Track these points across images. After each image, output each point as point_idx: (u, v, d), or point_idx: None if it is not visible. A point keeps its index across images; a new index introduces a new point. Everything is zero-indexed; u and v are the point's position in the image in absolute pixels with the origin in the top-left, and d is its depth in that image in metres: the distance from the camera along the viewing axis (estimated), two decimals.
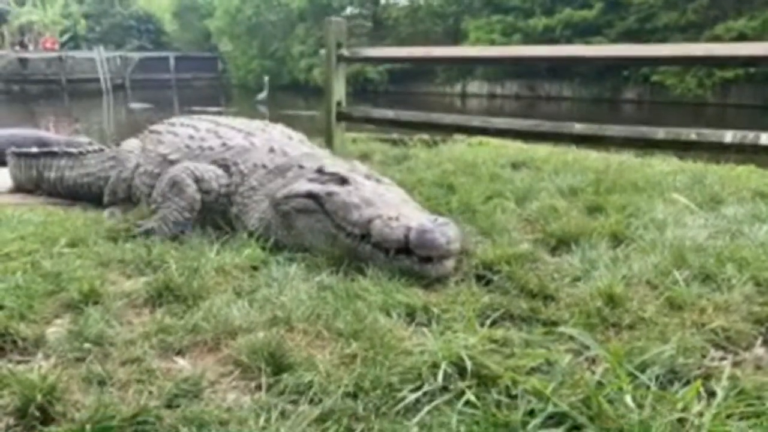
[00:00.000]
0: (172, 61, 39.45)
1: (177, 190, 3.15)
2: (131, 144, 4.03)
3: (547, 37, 24.59)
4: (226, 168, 3.28)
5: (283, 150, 3.32)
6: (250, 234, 2.93)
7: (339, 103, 6.00)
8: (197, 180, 3.17)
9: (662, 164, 5.12)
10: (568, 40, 23.68)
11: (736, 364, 1.70)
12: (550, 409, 1.36)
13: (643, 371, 1.53)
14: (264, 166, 3.21)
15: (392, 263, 2.42)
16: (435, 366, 1.56)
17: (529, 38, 25.08)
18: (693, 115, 20.97)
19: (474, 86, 29.47)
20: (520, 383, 1.45)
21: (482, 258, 2.54)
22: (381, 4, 37.02)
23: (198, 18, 42.52)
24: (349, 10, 38.19)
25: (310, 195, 2.83)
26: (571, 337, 1.74)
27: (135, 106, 24.71)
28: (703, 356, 1.73)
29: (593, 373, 1.50)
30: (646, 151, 5.55)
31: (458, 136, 6.79)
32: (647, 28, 23.24)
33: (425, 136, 6.67)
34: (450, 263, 2.45)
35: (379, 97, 29.30)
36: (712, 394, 1.45)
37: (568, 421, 1.34)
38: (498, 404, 1.42)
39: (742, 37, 19.95)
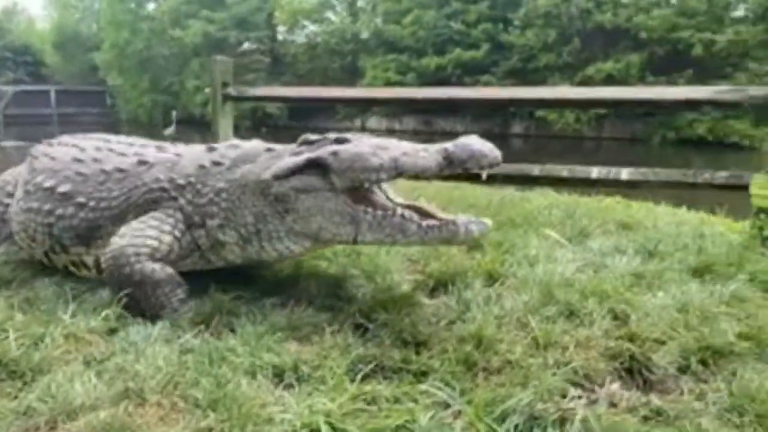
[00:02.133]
0: (53, 95, 36.85)
1: (146, 284, 2.42)
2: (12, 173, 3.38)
3: (440, 75, 25.80)
4: (163, 192, 2.64)
5: (226, 146, 2.77)
6: (244, 238, 2.50)
7: None
8: (152, 256, 2.47)
9: (540, 198, 5.41)
10: (459, 78, 25.02)
11: (592, 403, 1.76)
12: None
13: (504, 420, 1.53)
14: (217, 163, 2.63)
15: (425, 234, 2.27)
16: None
17: (423, 76, 26.22)
18: (573, 147, 22.79)
19: (373, 122, 30.14)
20: None
21: (361, 304, 2.50)
22: (279, 41, 37.14)
23: (83, 51, 40.27)
24: (246, 45, 37.89)
25: (312, 162, 2.38)
26: (441, 389, 1.72)
27: (7, 144, 22.65)
28: (563, 397, 1.77)
29: (452, 429, 1.47)
30: (525, 186, 5.86)
31: None
32: (529, 68, 25.11)
33: None
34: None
35: (279, 132, 29.09)
36: None
37: None
38: None
39: (610, 78, 22.11)
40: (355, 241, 2.38)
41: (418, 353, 2.05)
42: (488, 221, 2.31)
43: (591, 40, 24.52)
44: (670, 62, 21.97)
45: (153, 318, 2.37)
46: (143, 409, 1.70)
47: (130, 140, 3.25)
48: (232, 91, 5.76)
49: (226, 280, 2.65)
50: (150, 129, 26.59)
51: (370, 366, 1.96)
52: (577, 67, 23.94)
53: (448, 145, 2.23)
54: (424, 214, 2.37)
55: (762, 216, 3.80)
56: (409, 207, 2.43)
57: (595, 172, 4.85)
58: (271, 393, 1.80)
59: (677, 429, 1.58)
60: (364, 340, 2.19)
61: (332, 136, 2.56)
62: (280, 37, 37.72)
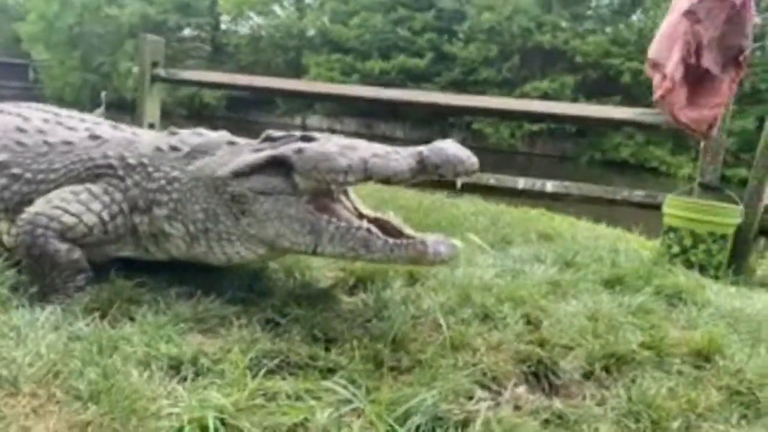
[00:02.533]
0: None
1: (44, 262, 2.22)
2: None
3: (384, 79, 25.93)
4: (109, 169, 2.41)
5: (189, 133, 2.53)
6: (192, 235, 2.29)
7: (152, 126, 5.56)
8: (62, 234, 2.24)
9: (468, 205, 5.48)
10: (402, 84, 25.22)
11: (497, 405, 1.75)
12: None
13: (406, 420, 1.49)
14: (174, 148, 2.42)
15: (391, 252, 2.07)
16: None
17: (367, 79, 26.22)
18: (506, 161, 23.47)
19: (314, 120, 29.88)
20: None
21: (276, 298, 2.40)
22: (222, 30, 36.14)
23: (6, 20, 37.58)
24: (187, 32, 36.64)
25: (274, 160, 2.20)
26: (346, 387, 1.65)
27: None
28: (469, 398, 1.75)
29: (350, 428, 1.41)
30: (455, 192, 5.93)
31: None
32: (470, 80, 25.70)
33: None
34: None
35: (216, 123, 28.25)
36: None
37: None
38: None
39: (545, 96, 22.96)
40: (314, 252, 2.17)
41: (327, 350, 1.98)
42: (458, 243, 2.16)
43: (530, 59, 25.44)
44: (601, 86, 23.13)
45: (42, 301, 2.17)
46: (15, 399, 1.53)
47: (83, 116, 3.00)
48: (161, 72, 5.50)
49: (130, 266, 2.47)
50: (75, 109, 25.06)
51: (275, 361, 1.87)
52: (516, 84, 24.74)
53: (422, 148, 2.07)
54: (392, 229, 2.20)
55: (671, 234, 4.01)
56: (377, 220, 2.26)
57: (521, 182, 4.98)
58: (164, 386, 1.67)
59: (570, 430, 1.59)
60: (273, 335, 2.09)
61: (298, 133, 2.36)
62: (223, 26, 36.74)
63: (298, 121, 30.08)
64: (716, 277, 3.77)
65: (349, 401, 1.58)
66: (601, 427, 1.60)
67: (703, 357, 2.18)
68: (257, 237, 2.23)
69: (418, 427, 1.48)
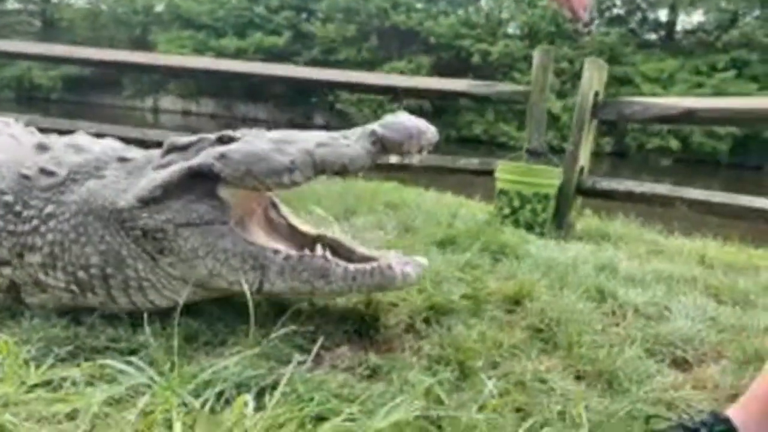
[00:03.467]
0: None
1: None
2: None
3: (240, 58, 24.95)
4: None
5: (63, 146, 2.03)
6: (81, 284, 1.82)
7: None
8: None
9: (316, 181, 5.43)
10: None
11: (316, 367, 1.72)
12: None
13: (205, 390, 1.40)
14: (46, 173, 1.91)
15: (353, 281, 1.81)
16: None
17: (222, 58, 25.09)
18: None
19: (167, 102, 28.03)
20: None
21: None
22: (52, 2, 32.34)
23: None
24: (10, 4, 32.36)
25: (191, 172, 1.78)
26: (141, 368, 1.51)
27: None
28: (287, 362, 1.70)
29: (134, 405, 1.30)
30: None
31: None
32: (330, 60, 25.62)
33: None
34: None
35: (51, 108, 25.34)
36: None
37: None
38: None
39: (404, 73, 23.61)
40: (259, 291, 1.81)
41: (134, 332, 1.81)
42: (424, 260, 1.99)
43: (388, 39, 25.94)
44: (454, 66, 24.26)
45: None
46: None
47: None
48: None
49: None
50: None
51: (68, 348, 1.67)
52: (375, 64, 25.11)
53: (373, 127, 1.76)
54: (343, 249, 1.96)
55: (502, 197, 4.29)
56: (321, 239, 2.01)
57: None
58: None
59: (387, 382, 1.62)
60: (70, 321, 1.87)
61: (210, 136, 1.94)
62: None
63: (149, 103, 28.04)
64: (542, 234, 4.11)
65: (143, 381, 1.45)
66: (411, 374, 1.64)
67: (514, 302, 2.34)
68: (183, 279, 1.82)
69: (219, 395, 1.40)
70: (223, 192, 1.81)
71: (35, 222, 1.85)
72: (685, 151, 22.62)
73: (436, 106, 24.04)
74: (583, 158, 4.52)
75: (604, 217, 4.81)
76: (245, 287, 1.76)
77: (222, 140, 1.90)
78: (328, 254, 1.85)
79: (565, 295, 2.42)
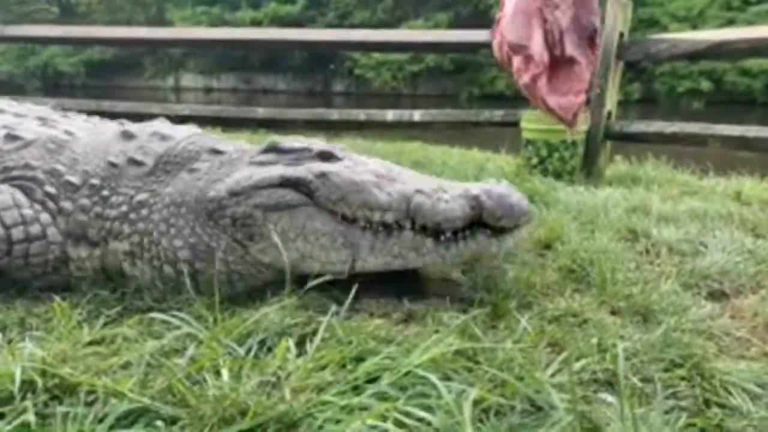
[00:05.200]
0: None
1: None
2: None
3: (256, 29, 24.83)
4: (32, 182, 1.91)
5: (149, 135, 2.04)
6: (167, 280, 1.81)
7: None
8: None
9: (343, 143, 5.45)
10: None
11: (355, 313, 1.77)
12: (125, 406, 1.18)
13: (248, 338, 1.46)
14: (134, 162, 1.94)
15: (446, 250, 1.76)
16: None
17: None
18: (391, 104, 23.70)
19: (188, 79, 28.14)
20: (98, 386, 1.24)
21: None
22: None
23: None
24: None
25: (289, 182, 1.80)
26: (188, 322, 1.58)
27: None
28: (324, 312, 1.75)
29: (183, 354, 1.36)
30: (329, 132, 5.87)
31: None
32: (345, 25, 25.20)
33: None
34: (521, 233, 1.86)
35: (77, 92, 25.74)
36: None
37: (147, 414, 1.18)
38: (66, 416, 1.17)
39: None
40: (352, 269, 1.79)
41: (178, 292, 1.88)
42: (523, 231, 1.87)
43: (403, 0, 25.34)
44: (473, 21, 23.59)
45: None
46: None
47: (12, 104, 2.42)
48: None
49: None
50: None
51: (117, 309, 1.76)
52: (392, 25, 24.61)
53: (476, 191, 1.76)
54: (432, 224, 1.82)
55: (529, 147, 4.23)
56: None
57: (390, 115, 5.00)
58: None
59: (422, 325, 1.65)
60: (114, 287, 1.95)
61: (314, 147, 1.94)
62: None
63: (170, 82, 28.20)
64: (571, 181, 4.06)
65: (195, 336, 1.52)
66: (445, 316, 1.67)
67: (545, 246, 2.35)
68: (275, 265, 1.80)
69: (262, 342, 1.46)
70: (320, 193, 1.81)
71: (124, 208, 1.87)
72: (718, 92, 21.74)
73: (457, 63, 23.55)
74: (610, 102, 4.40)
75: (634, 161, 4.72)
76: (338, 266, 1.77)
77: (323, 156, 1.91)
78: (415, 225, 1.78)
79: (597, 237, 2.41)
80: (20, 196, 1.87)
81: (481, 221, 1.74)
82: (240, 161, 1.93)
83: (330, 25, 24.85)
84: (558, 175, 4.10)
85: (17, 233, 1.82)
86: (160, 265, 1.82)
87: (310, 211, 1.78)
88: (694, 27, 21.10)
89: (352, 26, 24.84)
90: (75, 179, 1.92)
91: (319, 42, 5.56)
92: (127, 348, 1.46)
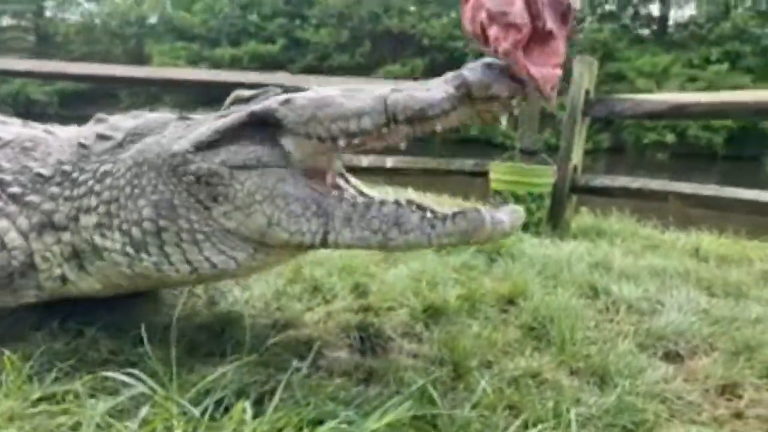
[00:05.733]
0: None
1: None
2: None
3: (236, 67, 25.02)
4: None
5: (122, 117, 1.97)
6: (136, 244, 1.69)
7: None
8: None
9: None
10: (255, 72, 24.57)
11: (315, 371, 1.76)
12: None
13: (206, 397, 1.44)
14: (103, 137, 1.85)
15: (432, 229, 1.51)
16: None
17: (217, 68, 25.15)
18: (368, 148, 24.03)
19: (165, 111, 28.04)
20: None
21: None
22: (46, 17, 32.46)
23: None
24: (4, 20, 32.50)
25: (254, 118, 1.63)
26: (142, 379, 1.55)
27: None
28: (284, 369, 1.73)
29: (135, 415, 1.33)
30: None
31: None
32: (324, 66, 25.68)
33: None
34: None
35: (50, 120, 25.39)
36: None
37: None
38: None
39: (397, 77, 23.70)
40: (324, 243, 1.57)
41: (134, 345, 1.85)
42: (520, 208, 1.63)
43: (381, 43, 26.01)
44: (448, 68, 24.23)
45: None
46: None
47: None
48: None
49: None
50: None
51: (71, 362, 1.71)
52: (369, 68, 25.19)
53: (461, 70, 1.53)
54: (421, 208, 1.63)
55: (497, 197, 4.33)
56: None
57: (365, 161, 5.08)
58: None
59: (383, 385, 1.65)
60: (73, 336, 1.91)
61: (278, 89, 1.81)
62: (48, 13, 33.05)
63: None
64: (537, 233, 4.15)
65: (144, 391, 1.48)
66: (406, 375, 1.67)
67: (508, 301, 2.38)
68: (239, 232, 1.63)
69: (219, 402, 1.43)
70: (286, 141, 1.62)
71: (90, 183, 1.79)
72: (682, 144, 22.67)
73: None
74: (576, 156, 4.56)
75: (599, 214, 4.86)
76: (308, 237, 1.56)
77: (289, 91, 1.74)
78: (402, 201, 1.59)
79: (559, 293, 2.46)
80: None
81: (472, 96, 1.47)
82: (207, 119, 1.82)
83: (309, 67, 25.27)
84: (525, 227, 4.18)
85: None
86: (128, 229, 1.71)
87: (282, 173, 1.60)
88: (659, 83, 22.12)
89: (330, 68, 25.33)
90: (45, 171, 1.85)
91: (294, 88, 5.65)
92: (79, 406, 1.42)
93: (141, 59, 28.39)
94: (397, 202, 1.56)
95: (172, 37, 27.67)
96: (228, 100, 1.89)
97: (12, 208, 1.83)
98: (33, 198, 1.83)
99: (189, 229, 1.66)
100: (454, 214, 1.52)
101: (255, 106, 1.68)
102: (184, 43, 26.97)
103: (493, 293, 2.46)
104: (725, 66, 22.87)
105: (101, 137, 1.87)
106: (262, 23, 26.53)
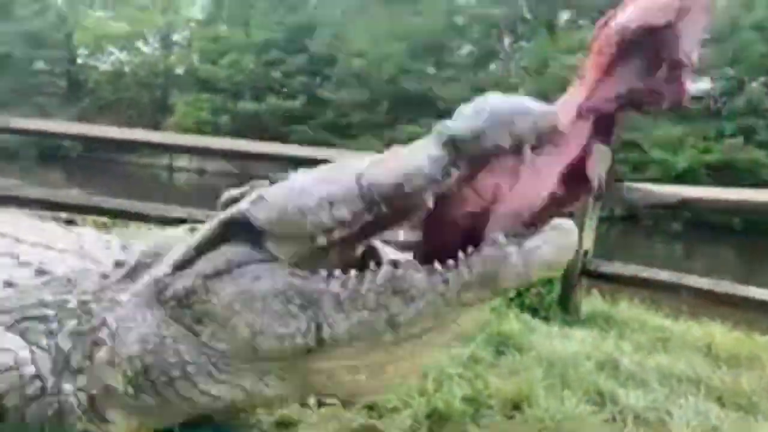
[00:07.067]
0: None
1: None
2: None
3: (256, 121, 25.71)
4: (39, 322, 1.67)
5: (144, 240, 1.95)
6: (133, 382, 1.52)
7: None
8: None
9: None
10: (275, 127, 25.19)
11: None
12: None
13: None
14: (119, 265, 1.78)
15: (445, 284, 1.22)
16: None
17: (238, 120, 25.88)
18: None
19: (183, 160, 28.66)
20: None
21: None
22: (78, 64, 33.83)
23: None
24: (38, 65, 33.90)
25: (227, 225, 1.43)
26: None
27: None
28: None
29: None
30: None
31: None
32: (344, 123, 26.31)
33: None
34: None
35: (72, 165, 26.05)
36: None
37: None
38: None
39: (411, 139, 24.09)
40: (321, 342, 1.32)
41: None
42: (569, 224, 1.27)
43: (399, 104, 26.65)
44: None
45: None
46: None
47: (49, 229, 2.20)
48: None
49: None
50: None
51: None
52: (386, 127, 25.75)
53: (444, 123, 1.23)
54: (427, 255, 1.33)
55: None
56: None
57: None
58: None
59: None
60: None
61: (265, 182, 1.57)
62: (80, 60, 34.46)
63: (165, 160, 28.71)
64: (547, 318, 4.13)
65: None
66: None
67: (514, 406, 2.37)
68: (228, 353, 1.42)
69: None
70: (270, 245, 1.37)
71: (103, 315, 1.60)
72: (696, 215, 22.57)
73: None
74: (587, 242, 4.58)
75: (609, 298, 4.83)
76: (300, 339, 1.31)
77: (273, 183, 1.47)
78: (401, 258, 1.36)
79: (565, 398, 2.44)
80: (25, 354, 1.60)
81: (464, 158, 1.18)
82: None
83: (329, 124, 25.88)
84: (534, 311, 4.18)
85: (13, 399, 1.57)
86: (125, 368, 1.52)
87: (256, 270, 1.35)
88: (674, 153, 22.27)
89: (349, 126, 25.96)
90: (73, 302, 1.69)
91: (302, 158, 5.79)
92: None
93: (165, 108, 29.35)
94: (393, 263, 1.27)
95: (197, 89, 28.64)
96: (221, 201, 1.67)
97: (50, 343, 1.68)
98: (58, 328, 1.67)
99: (178, 362, 1.46)
100: (469, 260, 1.19)
101: (224, 213, 1.49)
102: (208, 95, 27.88)
103: (498, 395, 2.44)
104: (739, 140, 23.04)
105: (117, 264, 1.78)
106: (285, 80, 27.44)
